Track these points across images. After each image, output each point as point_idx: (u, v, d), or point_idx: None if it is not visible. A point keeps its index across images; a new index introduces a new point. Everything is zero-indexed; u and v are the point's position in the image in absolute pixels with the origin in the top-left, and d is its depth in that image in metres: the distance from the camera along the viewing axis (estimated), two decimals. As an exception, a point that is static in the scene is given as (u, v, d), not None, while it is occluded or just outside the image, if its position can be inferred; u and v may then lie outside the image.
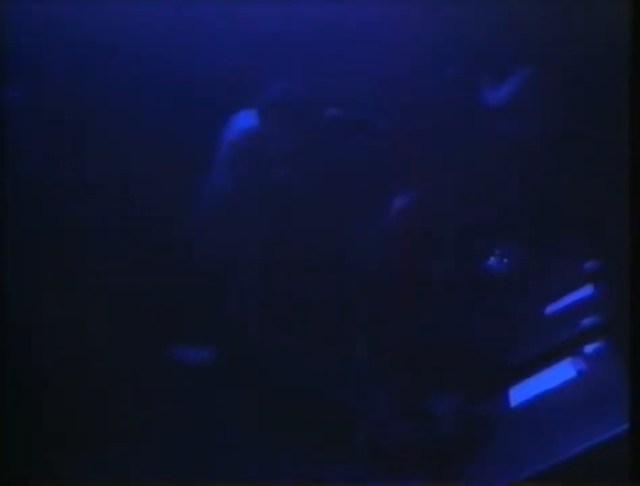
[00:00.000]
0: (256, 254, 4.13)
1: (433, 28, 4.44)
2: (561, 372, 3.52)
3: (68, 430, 3.62)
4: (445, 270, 4.30)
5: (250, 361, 4.02)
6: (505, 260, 4.40)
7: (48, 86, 4.33)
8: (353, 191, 4.33)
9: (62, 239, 4.13)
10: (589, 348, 3.53)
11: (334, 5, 4.32)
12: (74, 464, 3.48)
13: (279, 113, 4.20)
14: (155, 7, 4.24)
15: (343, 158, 4.35)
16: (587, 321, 3.72)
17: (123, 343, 4.04)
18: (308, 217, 4.24)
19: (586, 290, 3.99)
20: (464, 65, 4.71)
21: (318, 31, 4.32)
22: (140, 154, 4.43)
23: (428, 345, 4.04)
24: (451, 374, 3.88)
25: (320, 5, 4.29)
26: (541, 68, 4.65)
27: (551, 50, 4.46)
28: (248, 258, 4.12)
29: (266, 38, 4.29)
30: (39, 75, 4.32)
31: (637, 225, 2.93)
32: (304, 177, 4.26)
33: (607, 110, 3.96)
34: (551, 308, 4.06)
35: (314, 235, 4.24)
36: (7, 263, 3.80)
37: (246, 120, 4.27)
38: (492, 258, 4.40)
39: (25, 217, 4.02)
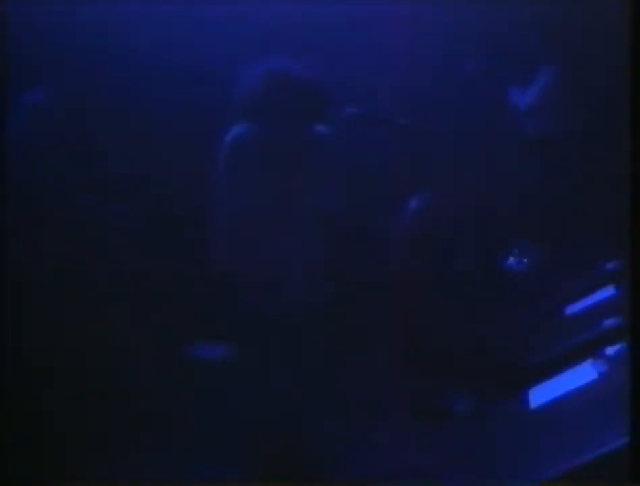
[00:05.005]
0: (273, 254, 4.12)
1: (456, 27, 4.43)
2: (581, 374, 3.49)
3: (80, 429, 3.65)
4: (466, 269, 4.29)
5: (268, 361, 4.03)
6: (526, 260, 4.38)
7: (49, 86, 4.35)
8: (373, 190, 4.32)
9: (78, 237, 4.16)
10: (610, 350, 3.51)
11: (357, 1, 4.32)
12: (85, 463, 3.50)
13: (300, 112, 4.18)
14: (157, 7, 4.25)
15: (363, 157, 4.34)
16: (608, 322, 3.69)
17: (136, 341, 4.05)
18: (326, 217, 4.23)
19: (608, 291, 3.97)
20: (487, 65, 4.70)
21: (339, 28, 4.32)
22: (145, 152, 4.44)
23: (448, 345, 4.03)
24: (471, 374, 3.87)
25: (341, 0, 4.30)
26: (566, 69, 4.63)
27: (575, 50, 4.44)
28: (264, 257, 4.11)
29: (284, 36, 4.29)
30: (41, 75, 4.34)
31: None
32: (325, 177, 4.25)
33: (632, 109, 3.92)
34: (572, 309, 4.04)
35: (333, 234, 4.23)
36: (28, 258, 3.84)
37: (262, 119, 4.23)
38: (513, 258, 4.39)
39: (39, 215, 4.05)
